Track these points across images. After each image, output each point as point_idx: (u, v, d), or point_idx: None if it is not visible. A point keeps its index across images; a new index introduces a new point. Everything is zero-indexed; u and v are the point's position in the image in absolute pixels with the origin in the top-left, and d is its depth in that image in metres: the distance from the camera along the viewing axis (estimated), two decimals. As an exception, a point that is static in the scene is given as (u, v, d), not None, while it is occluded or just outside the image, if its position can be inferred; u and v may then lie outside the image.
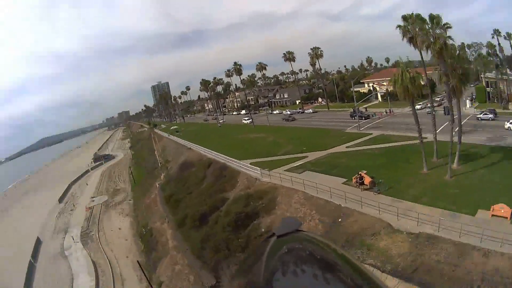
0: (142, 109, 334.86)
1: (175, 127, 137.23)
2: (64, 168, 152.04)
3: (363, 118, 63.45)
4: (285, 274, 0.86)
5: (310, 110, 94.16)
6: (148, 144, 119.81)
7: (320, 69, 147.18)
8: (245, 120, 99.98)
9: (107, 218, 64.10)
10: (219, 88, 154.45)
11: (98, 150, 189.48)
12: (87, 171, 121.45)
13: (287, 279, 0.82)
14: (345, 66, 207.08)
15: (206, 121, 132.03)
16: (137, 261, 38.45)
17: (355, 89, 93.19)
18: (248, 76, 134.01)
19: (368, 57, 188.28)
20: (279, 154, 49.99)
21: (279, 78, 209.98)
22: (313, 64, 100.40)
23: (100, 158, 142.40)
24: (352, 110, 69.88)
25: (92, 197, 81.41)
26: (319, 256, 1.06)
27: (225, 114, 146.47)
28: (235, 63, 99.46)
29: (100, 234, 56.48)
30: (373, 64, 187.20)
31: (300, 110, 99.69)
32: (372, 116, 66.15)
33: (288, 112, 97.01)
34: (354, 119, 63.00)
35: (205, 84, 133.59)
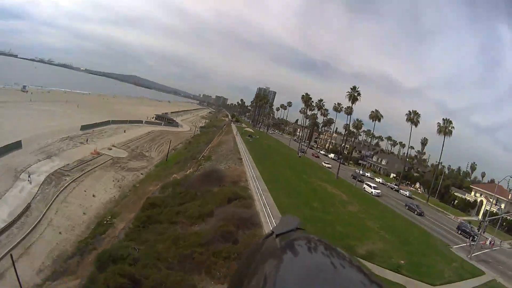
0: (237, 103, 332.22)
1: (252, 131, 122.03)
2: (124, 107, 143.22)
3: (471, 238, 41.61)
4: (284, 273, 0.87)
5: (407, 193, 74.75)
6: (215, 133, 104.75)
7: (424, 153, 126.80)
8: (326, 163, 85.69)
9: (98, 176, 48.78)
10: (320, 119, 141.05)
11: (172, 113, 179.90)
12: (139, 121, 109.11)
13: (286, 278, 0.84)
14: (440, 163, 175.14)
15: (303, 152, 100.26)
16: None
17: (458, 194, 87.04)
18: (356, 120, 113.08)
19: (473, 163, 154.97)
20: (359, 251, 27.70)
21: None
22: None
23: (162, 119, 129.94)
24: (461, 222, 51.87)
25: (113, 145, 66.49)
26: (320, 255, 1.02)
27: (311, 148, 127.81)
28: (353, 87, 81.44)
29: (70, 186, 41.59)
30: (474, 174, 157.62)
31: (395, 186, 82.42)
32: (475, 238, 43.97)
33: (406, 194, 74.04)
34: (459, 233, 46.38)
35: (306, 100, 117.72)
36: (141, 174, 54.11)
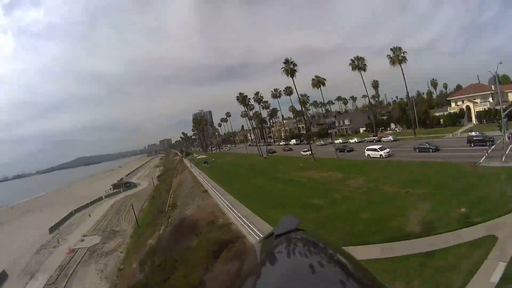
0: (180, 137, 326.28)
1: (205, 156, 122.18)
2: (82, 191, 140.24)
3: (487, 144, 43.09)
4: (284, 273, 0.83)
5: (391, 138, 71.88)
6: (172, 176, 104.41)
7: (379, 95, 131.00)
8: (304, 152, 74.35)
9: (82, 275, 47.41)
10: (264, 113, 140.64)
11: (126, 176, 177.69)
12: (100, 199, 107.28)
13: (286, 278, 0.80)
14: (406, 95, 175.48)
15: (270, 153, 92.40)
16: None
17: (437, 113, 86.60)
18: (301, 95, 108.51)
19: (433, 79, 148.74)
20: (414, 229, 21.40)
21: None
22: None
23: (119, 186, 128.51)
24: (471, 133, 51.54)
25: (84, 235, 65.90)
26: (319, 254, 0.96)
27: (270, 145, 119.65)
28: (286, 60, 74.38)
29: None
30: (440, 89, 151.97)
31: (374, 137, 76.90)
32: (492, 141, 45.22)
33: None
34: (474, 145, 45.45)
35: (242, 100, 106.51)
36: (121, 252, 53.58)
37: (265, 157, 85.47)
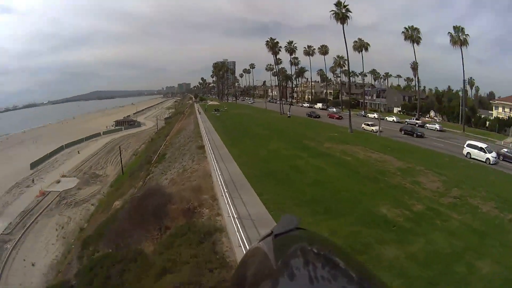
0: (199, 82, 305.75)
1: (218, 103, 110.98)
2: (83, 125, 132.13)
3: None
4: (285, 273, 0.86)
5: (437, 126, 60.91)
6: (177, 120, 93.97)
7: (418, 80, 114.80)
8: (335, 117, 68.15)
9: (40, 228, 38.93)
10: (290, 70, 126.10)
11: (134, 114, 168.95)
12: (97, 135, 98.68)
13: (287, 278, 0.83)
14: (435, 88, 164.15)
15: (314, 116, 75.48)
16: None
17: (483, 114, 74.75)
18: (337, 57, 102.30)
19: (471, 78, 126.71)
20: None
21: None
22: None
23: (122, 123, 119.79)
24: None
25: (62, 176, 57.33)
26: (320, 254, 1.00)
27: (292, 105, 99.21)
28: (338, 2, 55.72)
29: (12, 256, 32.54)
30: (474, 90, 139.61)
31: (417, 121, 65.87)
32: None
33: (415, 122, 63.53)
34: None
35: (273, 45, 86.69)
36: (92, 205, 43.94)
37: (289, 116, 70.97)
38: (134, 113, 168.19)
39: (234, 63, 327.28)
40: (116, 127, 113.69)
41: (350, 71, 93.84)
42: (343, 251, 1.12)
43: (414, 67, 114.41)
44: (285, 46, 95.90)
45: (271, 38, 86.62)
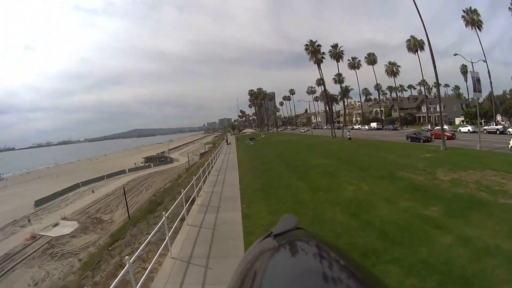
0: (238, 115, 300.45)
1: (252, 131, 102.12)
2: (112, 162, 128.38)
3: None
4: (285, 274, 0.89)
5: None
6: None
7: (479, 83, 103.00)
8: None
9: (16, 277, 32.20)
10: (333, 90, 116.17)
11: (170, 149, 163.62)
12: (121, 172, 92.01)
13: (286, 278, 0.86)
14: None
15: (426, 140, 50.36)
16: None
17: None
18: (389, 63, 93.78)
19: None
20: None
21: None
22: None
23: (152, 159, 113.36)
24: None
25: (62, 218, 50.00)
26: (320, 254, 1.04)
27: (346, 126, 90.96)
28: None
29: None
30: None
31: (497, 127, 57.94)
32: None
33: None
34: None
35: (314, 51, 69.75)
36: (79, 260, 34.85)
37: (349, 138, 59.76)
38: (169, 149, 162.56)
39: (273, 93, 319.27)
40: (146, 164, 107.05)
41: (398, 85, 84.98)
42: (342, 251, 1.11)
43: (463, 70, 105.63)
44: (330, 51, 77.89)
45: (311, 40, 70.94)
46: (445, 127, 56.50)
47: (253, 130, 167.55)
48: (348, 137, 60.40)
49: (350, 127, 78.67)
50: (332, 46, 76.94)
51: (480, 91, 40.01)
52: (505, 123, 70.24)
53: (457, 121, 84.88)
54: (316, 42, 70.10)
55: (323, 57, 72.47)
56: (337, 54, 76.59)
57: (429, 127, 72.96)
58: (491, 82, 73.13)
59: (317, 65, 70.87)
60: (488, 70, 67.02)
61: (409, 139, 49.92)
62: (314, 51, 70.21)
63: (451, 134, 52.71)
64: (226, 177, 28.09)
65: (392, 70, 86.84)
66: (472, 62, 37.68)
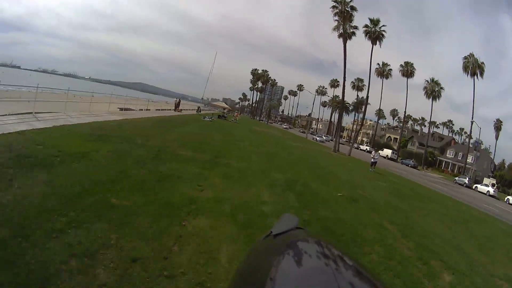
0: (239, 98, 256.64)
1: (229, 114, 78.10)
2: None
3: None
4: (285, 274, 0.92)
5: None
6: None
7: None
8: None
9: None
10: (349, 95, 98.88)
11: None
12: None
13: (287, 279, 0.89)
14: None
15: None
16: None
17: None
18: (430, 80, 76.69)
19: None
20: None
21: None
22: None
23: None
24: None
25: None
26: (320, 254, 1.07)
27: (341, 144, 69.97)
28: None
29: None
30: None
31: None
32: None
33: None
34: None
35: (345, 12, 47.84)
36: None
37: (373, 163, 33.12)
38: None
39: (282, 88, 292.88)
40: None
41: (420, 117, 72.02)
42: (341, 249, 1.09)
43: (499, 126, 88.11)
44: (365, 26, 51.76)
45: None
46: (489, 188, 51.60)
47: (241, 114, 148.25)
48: (373, 160, 33.85)
49: (375, 148, 62.03)
50: (370, 20, 51.66)
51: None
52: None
53: (486, 181, 63.73)
54: (351, 1, 47.80)
55: (353, 32, 50.05)
56: (375, 33, 51.40)
57: (466, 180, 56.88)
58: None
59: (343, 41, 48.94)
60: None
61: None
62: (344, 15, 47.84)
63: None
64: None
65: (433, 89, 71.91)
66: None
